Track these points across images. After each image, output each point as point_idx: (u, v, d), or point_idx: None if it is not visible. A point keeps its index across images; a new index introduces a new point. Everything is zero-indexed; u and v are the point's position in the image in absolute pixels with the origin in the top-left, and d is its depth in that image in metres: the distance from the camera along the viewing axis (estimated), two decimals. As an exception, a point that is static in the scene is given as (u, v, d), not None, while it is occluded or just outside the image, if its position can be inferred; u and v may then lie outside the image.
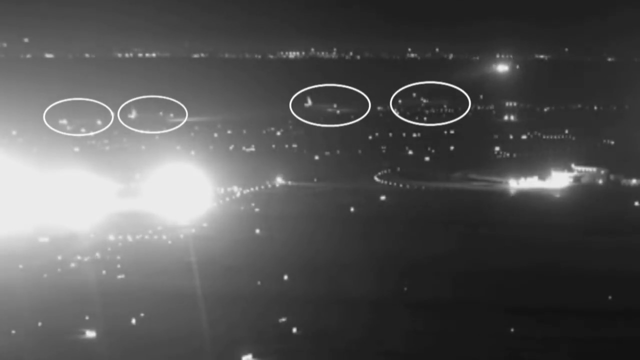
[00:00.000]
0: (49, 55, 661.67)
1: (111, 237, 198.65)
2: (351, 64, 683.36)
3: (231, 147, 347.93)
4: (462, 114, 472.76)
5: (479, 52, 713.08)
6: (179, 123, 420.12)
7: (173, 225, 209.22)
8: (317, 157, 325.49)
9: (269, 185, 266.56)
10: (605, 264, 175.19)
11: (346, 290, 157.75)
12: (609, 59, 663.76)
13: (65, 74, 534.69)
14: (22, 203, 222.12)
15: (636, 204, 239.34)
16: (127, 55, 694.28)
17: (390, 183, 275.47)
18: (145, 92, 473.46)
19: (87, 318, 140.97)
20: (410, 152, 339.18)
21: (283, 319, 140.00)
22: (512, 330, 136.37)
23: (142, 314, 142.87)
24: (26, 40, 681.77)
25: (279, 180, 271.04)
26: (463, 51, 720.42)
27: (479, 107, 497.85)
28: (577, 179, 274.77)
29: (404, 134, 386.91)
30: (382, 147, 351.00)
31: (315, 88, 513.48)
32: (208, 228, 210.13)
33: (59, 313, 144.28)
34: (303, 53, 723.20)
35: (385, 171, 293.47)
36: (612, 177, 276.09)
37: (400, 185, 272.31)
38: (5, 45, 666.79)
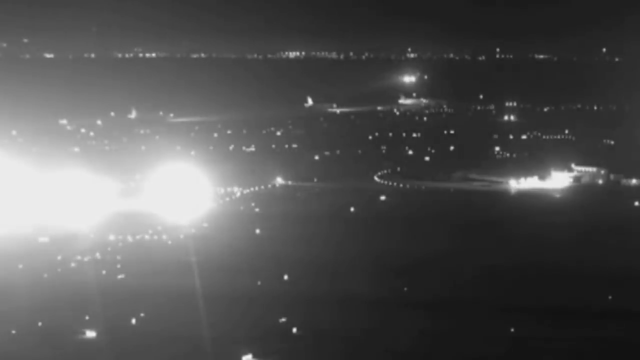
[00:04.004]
0: (49, 55, 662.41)
1: (111, 237, 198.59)
2: (351, 64, 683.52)
3: (231, 147, 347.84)
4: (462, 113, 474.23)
5: (480, 52, 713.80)
6: (179, 123, 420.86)
7: (173, 225, 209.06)
8: (317, 157, 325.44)
9: (269, 185, 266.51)
10: (605, 264, 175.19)
11: (346, 290, 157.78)
12: (609, 59, 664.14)
13: (65, 74, 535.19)
14: (21, 203, 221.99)
15: (636, 204, 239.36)
16: (127, 55, 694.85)
17: (390, 183, 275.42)
18: (145, 92, 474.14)
19: (87, 318, 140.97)
20: (410, 152, 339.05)
21: (283, 319, 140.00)
22: (512, 330, 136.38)
23: (142, 314, 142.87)
24: (26, 40, 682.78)
25: (279, 180, 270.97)
26: (462, 51, 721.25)
27: (479, 107, 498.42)
28: (577, 179, 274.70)
29: (404, 134, 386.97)
30: (382, 147, 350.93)
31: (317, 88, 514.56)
32: (208, 228, 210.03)
33: (59, 313, 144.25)
34: (303, 53, 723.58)
35: (385, 171, 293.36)
36: (612, 177, 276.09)
37: (400, 185, 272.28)
38: (5, 45, 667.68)
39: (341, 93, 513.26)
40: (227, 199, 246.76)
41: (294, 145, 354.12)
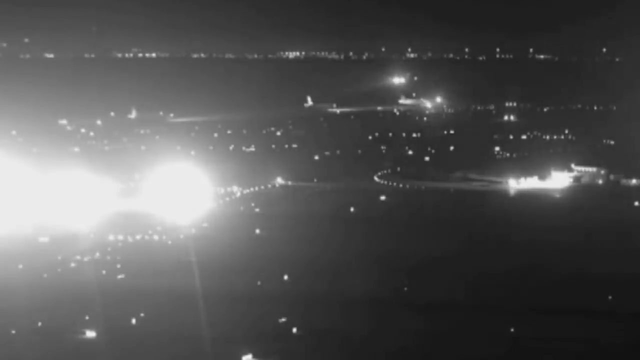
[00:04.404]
0: (49, 55, 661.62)
1: (111, 237, 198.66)
2: (351, 64, 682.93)
3: (231, 147, 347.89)
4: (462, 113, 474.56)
5: (480, 52, 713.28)
6: (179, 123, 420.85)
7: (173, 225, 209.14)
8: (317, 157, 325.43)
9: (269, 185, 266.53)
10: (606, 265, 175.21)
11: (346, 290, 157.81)
12: (609, 59, 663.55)
13: (65, 74, 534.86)
14: (22, 203, 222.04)
15: (636, 204, 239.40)
16: (127, 55, 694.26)
17: (390, 183, 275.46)
18: (144, 92, 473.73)
19: (87, 318, 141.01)
20: (410, 152, 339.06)
21: (283, 319, 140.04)
22: (512, 330, 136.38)
23: (142, 314, 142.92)
24: (26, 40, 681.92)
25: (279, 180, 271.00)
26: (462, 51, 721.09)
27: (479, 107, 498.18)
28: (577, 179, 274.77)
29: (404, 134, 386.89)
30: (382, 147, 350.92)
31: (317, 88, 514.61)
32: (208, 228, 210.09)
33: (59, 313, 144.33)
34: (303, 53, 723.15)
35: (385, 171, 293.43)
36: (612, 177, 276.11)
37: (400, 185, 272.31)
38: (5, 45, 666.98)
39: (341, 93, 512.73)
40: (227, 199, 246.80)
41: (294, 145, 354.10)
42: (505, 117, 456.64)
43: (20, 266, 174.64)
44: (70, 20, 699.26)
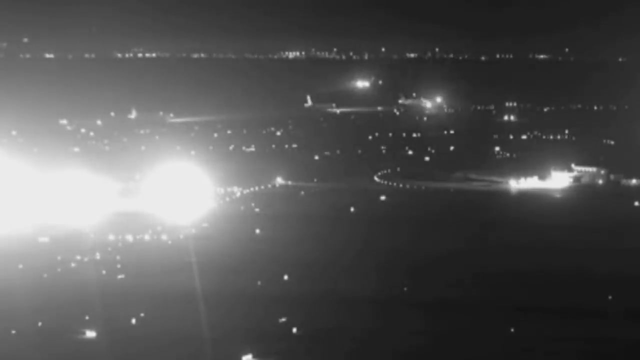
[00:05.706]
0: (49, 55, 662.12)
1: (111, 237, 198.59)
2: (351, 64, 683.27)
3: (231, 147, 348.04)
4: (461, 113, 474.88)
5: (480, 52, 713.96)
6: (179, 123, 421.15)
7: (173, 225, 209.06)
8: (317, 157, 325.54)
9: (269, 185, 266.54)
10: (605, 264, 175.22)
11: (346, 290, 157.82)
12: (609, 59, 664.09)
13: (65, 74, 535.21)
14: (22, 203, 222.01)
15: (636, 204, 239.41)
16: (127, 55, 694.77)
17: (390, 183, 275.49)
18: (144, 92, 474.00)
19: (87, 318, 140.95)
20: (410, 152, 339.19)
21: (283, 319, 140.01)
22: (512, 330, 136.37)
23: (142, 314, 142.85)
24: (26, 40, 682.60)
25: (279, 180, 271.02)
26: (462, 51, 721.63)
27: (479, 107, 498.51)
28: (577, 179, 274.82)
29: (404, 134, 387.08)
30: (382, 147, 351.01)
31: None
32: (208, 228, 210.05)
33: (59, 313, 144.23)
34: (303, 53, 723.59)
35: (385, 171, 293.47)
36: (612, 177, 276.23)
37: (400, 185, 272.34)
38: (5, 45, 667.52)
39: (341, 93, 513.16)
40: (227, 199, 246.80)
41: (294, 145, 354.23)
42: (505, 117, 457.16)
43: (20, 266, 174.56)
44: (70, 20, 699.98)
